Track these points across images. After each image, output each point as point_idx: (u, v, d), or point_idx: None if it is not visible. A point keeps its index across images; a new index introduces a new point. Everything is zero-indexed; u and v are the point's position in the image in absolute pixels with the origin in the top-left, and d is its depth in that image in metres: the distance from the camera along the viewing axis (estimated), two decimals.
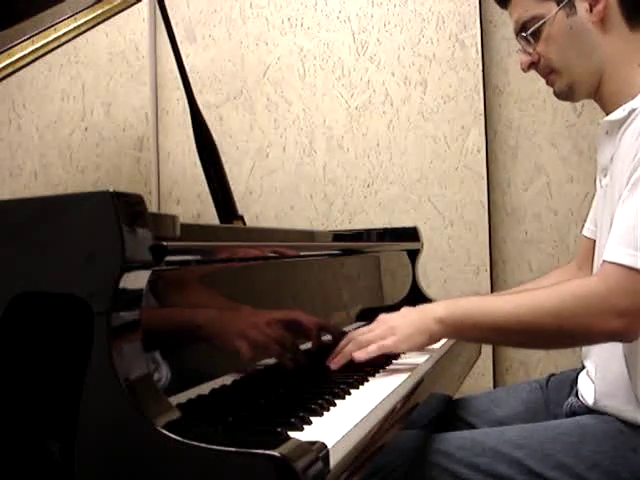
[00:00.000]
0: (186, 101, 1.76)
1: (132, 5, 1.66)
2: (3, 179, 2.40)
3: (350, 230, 2.01)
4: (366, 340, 1.14)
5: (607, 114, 1.17)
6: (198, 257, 0.88)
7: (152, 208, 2.16)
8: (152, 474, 0.66)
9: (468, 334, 1.15)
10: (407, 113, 2.18)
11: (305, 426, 0.83)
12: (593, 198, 1.37)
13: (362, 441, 0.82)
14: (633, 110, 1.09)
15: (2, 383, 0.71)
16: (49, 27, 1.39)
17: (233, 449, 0.63)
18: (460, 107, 2.15)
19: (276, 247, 1.11)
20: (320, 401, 0.93)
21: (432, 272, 2.13)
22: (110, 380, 0.67)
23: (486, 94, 2.17)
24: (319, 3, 2.25)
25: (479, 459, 1.08)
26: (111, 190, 0.68)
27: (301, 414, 0.86)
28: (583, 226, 1.42)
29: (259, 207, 2.27)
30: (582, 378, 1.24)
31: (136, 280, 0.71)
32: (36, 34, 1.36)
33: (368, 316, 1.35)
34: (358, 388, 1.06)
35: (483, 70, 2.15)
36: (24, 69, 1.36)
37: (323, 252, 1.36)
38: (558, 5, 1.14)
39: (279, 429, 0.79)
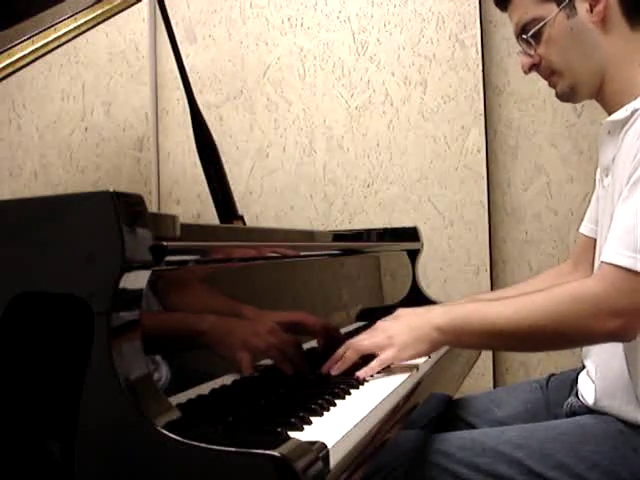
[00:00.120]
0: (186, 101, 1.76)
1: (132, 5, 1.65)
2: (3, 179, 2.40)
3: (350, 230, 2.01)
4: (365, 347, 1.13)
5: (609, 114, 1.17)
6: (198, 257, 0.88)
7: (152, 208, 2.16)
8: (152, 474, 0.66)
9: (467, 341, 1.14)
10: (407, 113, 2.18)
11: (305, 426, 0.83)
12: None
13: (362, 441, 0.82)
14: (636, 110, 1.09)
15: (2, 383, 0.71)
16: (49, 27, 1.39)
17: (233, 449, 0.63)
18: (460, 107, 2.15)
19: (276, 247, 1.11)
20: (320, 401, 0.93)
21: (432, 272, 2.13)
22: (110, 380, 0.67)
23: (486, 94, 2.17)
24: (319, 3, 2.25)
25: (479, 459, 1.08)
26: (111, 190, 0.68)
27: (301, 414, 0.86)
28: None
29: (259, 207, 2.27)
30: (582, 378, 1.24)
31: (136, 280, 0.71)
32: (36, 34, 1.36)
33: (368, 316, 1.36)
34: (358, 388, 1.06)
35: (483, 70, 2.15)
36: (24, 69, 1.36)
37: (323, 252, 1.36)
38: (558, 6, 1.14)
39: (279, 429, 0.79)
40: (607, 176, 1.17)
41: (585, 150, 2.13)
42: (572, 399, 1.25)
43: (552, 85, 1.21)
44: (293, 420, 0.83)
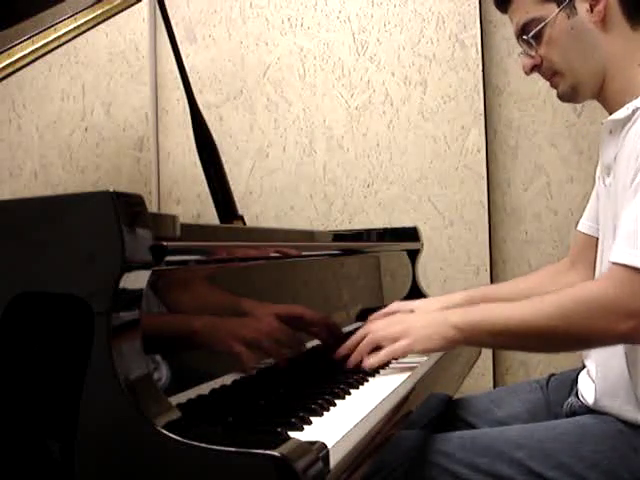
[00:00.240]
0: (186, 101, 1.76)
1: (132, 5, 1.65)
2: (3, 179, 2.40)
3: (350, 230, 2.01)
4: (380, 338, 1.14)
5: (610, 114, 1.17)
6: (198, 257, 0.88)
7: (152, 208, 2.16)
8: (152, 474, 0.66)
9: (482, 340, 1.16)
10: (407, 113, 2.18)
11: (305, 426, 0.83)
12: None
13: (362, 441, 0.82)
14: (637, 109, 1.09)
15: (2, 383, 0.71)
16: (49, 27, 1.39)
17: (233, 449, 0.63)
18: (460, 107, 2.15)
19: (276, 247, 1.11)
20: (320, 401, 0.93)
21: (432, 272, 2.13)
22: (110, 380, 0.67)
23: (486, 94, 2.17)
24: (319, 3, 2.25)
25: (479, 459, 1.08)
26: (111, 190, 0.68)
27: (301, 414, 0.86)
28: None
29: (259, 207, 2.27)
30: (582, 378, 1.24)
31: (136, 280, 0.71)
32: (36, 34, 1.36)
33: (368, 316, 1.35)
34: (358, 388, 1.06)
35: (483, 70, 2.15)
36: (24, 69, 1.36)
37: (323, 252, 1.36)
38: (558, 6, 1.14)
39: (279, 429, 0.79)
40: (609, 175, 1.17)
41: (585, 150, 2.13)
42: (572, 399, 1.25)
43: (554, 86, 1.21)
44: (293, 420, 0.83)
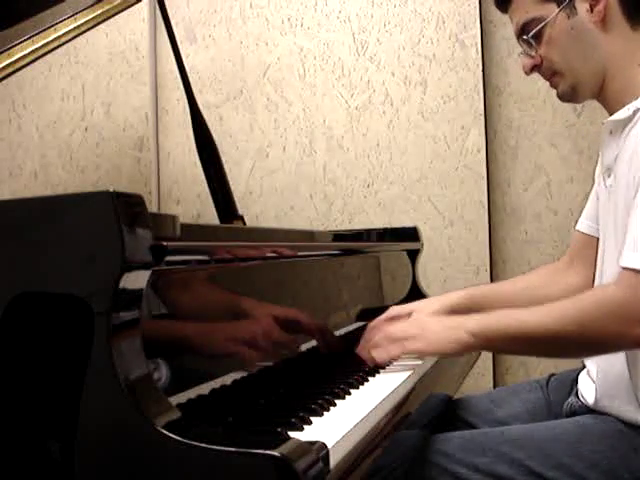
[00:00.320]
0: (186, 101, 1.76)
1: (132, 5, 1.65)
2: (3, 179, 2.40)
3: (350, 230, 2.01)
4: (397, 335, 1.14)
5: (610, 114, 1.16)
6: (198, 257, 0.88)
7: (152, 208, 2.16)
8: (152, 474, 0.66)
9: (497, 346, 1.17)
10: (407, 113, 2.18)
11: (305, 426, 0.83)
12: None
13: (362, 441, 0.82)
14: (638, 110, 1.09)
15: (2, 383, 0.71)
16: (49, 27, 1.39)
17: (233, 449, 0.63)
18: (460, 107, 2.15)
19: (276, 247, 1.11)
20: (320, 401, 0.93)
21: (432, 272, 2.13)
22: (110, 380, 0.67)
23: (486, 94, 2.17)
24: (319, 3, 2.25)
25: (479, 459, 1.08)
26: (111, 190, 0.68)
27: (301, 414, 0.86)
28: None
29: (259, 207, 2.27)
30: (583, 378, 1.24)
31: (136, 280, 0.71)
32: (36, 34, 1.36)
33: (368, 316, 1.35)
34: (358, 388, 1.06)
35: (483, 70, 2.15)
36: (24, 69, 1.36)
37: (323, 252, 1.36)
38: (559, 6, 1.14)
39: (279, 429, 0.79)
40: (609, 176, 1.17)
41: (585, 150, 2.13)
42: (572, 399, 1.25)
43: (553, 86, 1.21)
44: (293, 420, 0.83)
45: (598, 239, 1.26)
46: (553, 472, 1.05)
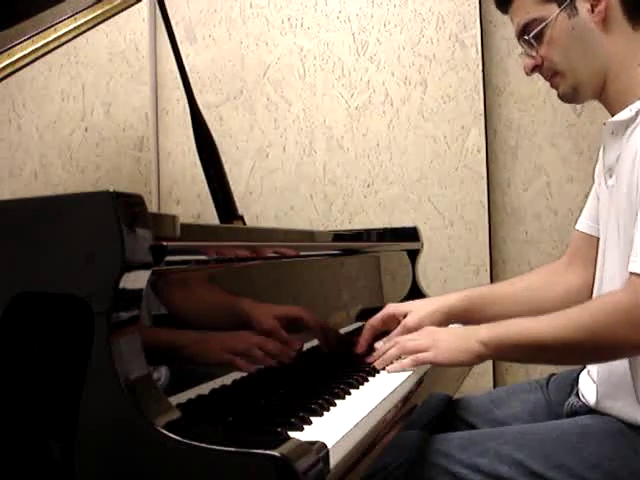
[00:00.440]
0: (186, 101, 1.76)
1: (132, 5, 1.66)
2: (3, 179, 2.40)
3: (350, 230, 2.01)
4: (409, 348, 1.15)
5: (612, 114, 1.16)
6: (198, 257, 0.88)
7: (152, 208, 2.16)
8: (152, 474, 0.66)
9: (509, 355, 1.18)
10: (407, 113, 2.18)
11: (305, 426, 0.83)
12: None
13: (362, 441, 0.82)
14: None
15: (2, 383, 0.71)
16: (49, 27, 1.39)
17: (233, 449, 0.63)
18: (460, 107, 2.15)
19: (276, 247, 1.11)
20: (320, 401, 0.93)
21: (432, 272, 2.13)
22: (110, 380, 0.67)
23: (486, 94, 2.17)
24: (319, 3, 2.25)
25: (479, 460, 1.08)
26: (111, 190, 0.68)
27: (301, 414, 0.86)
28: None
29: (259, 207, 2.27)
30: (583, 378, 1.24)
31: (136, 280, 0.71)
32: (36, 34, 1.36)
33: (368, 316, 1.35)
34: (358, 388, 1.06)
35: (483, 70, 2.14)
36: (24, 69, 1.36)
37: (323, 252, 1.35)
38: (559, 7, 1.14)
39: (279, 429, 0.79)
40: (611, 176, 1.17)
41: (585, 150, 2.13)
42: (573, 399, 1.25)
43: (554, 86, 1.20)
44: (293, 420, 0.83)
45: (598, 239, 1.26)
46: (553, 472, 1.05)
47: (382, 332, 1.33)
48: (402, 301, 1.74)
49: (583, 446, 1.07)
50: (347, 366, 1.21)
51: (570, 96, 1.19)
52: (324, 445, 0.69)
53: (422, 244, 1.86)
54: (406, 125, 2.18)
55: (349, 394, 1.01)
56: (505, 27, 2.14)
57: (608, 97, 1.17)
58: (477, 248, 2.13)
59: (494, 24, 2.19)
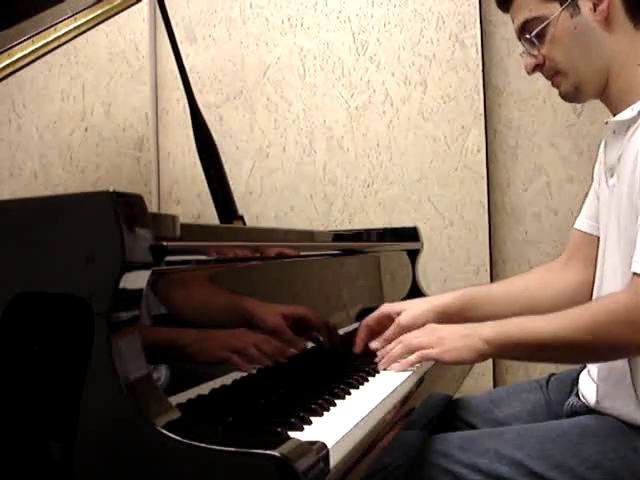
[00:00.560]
0: (186, 101, 1.76)
1: (132, 5, 1.65)
2: (3, 179, 2.40)
3: (350, 230, 2.01)
4: (414, 346, 1.15)
5: (613, 113, 1.16)
6: (198, 257, 0.88)
7: (152, 208, 2.16)
8: (152, 474, 0.66)
9: (511, 353, 1.18)
10: (407, 113, 2.18)
11: (305, 426, 0.83)
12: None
13: (362, 441, 0.82)
14: None
15: (2, 383, 0.71)
16: (49, 27, 1.39)
17: (233, 449, 0.63)
18: (460, 107, 2.15)
19: (276, 247, 1.11)
20: (320, 401, 0.93)
21: (432, 272, 2.13)
22: (110, 380, 0.67)
23: (486, 94, 2.17)
24: (319, 3, 2.24)
25: (479, 460, 1.08)
26: (111, 190, 0.68)
27: (301, 414, 0.86)
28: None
29: (259, 207, 2.27)
30: (583, 378, 1.24)
31: (136, 280, 0.71)
32: (36, 34, 1.36)
33: (367, 316, 1.35)
34: (358, 388, 1.06)
35: (483, 70, 2.14)
36: (24, 69, 1.36)
37: (323, 252, 1.35)
38: (561, 5, 1.13)
39: (279, 429, 0.79)
40: (612, 176, 1.16)
41: (585, 150, 2.13)
42: (573, 399, 1.25)
43: (556, 85, 1.20)
44: (293, 420, 0.83)
45: (598, 238, 1.26)
46: (553, 472, 1.05)
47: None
48: (402, 301, 1.75)
49: (583, 446, 1.07)
50: (347, 366, 1.21)
51: (572, 95, 1.19)
52: (324, 445, 0.69)
53: (422, 244, 1.86)
54: (406, 125, 2.18)
55: (349, 394, 1.01)
56: (505, 27, 2.14)
57: (610, 96, 1.17)
58: (477, 248, 2.13)
59: (494, 24, 2.19)
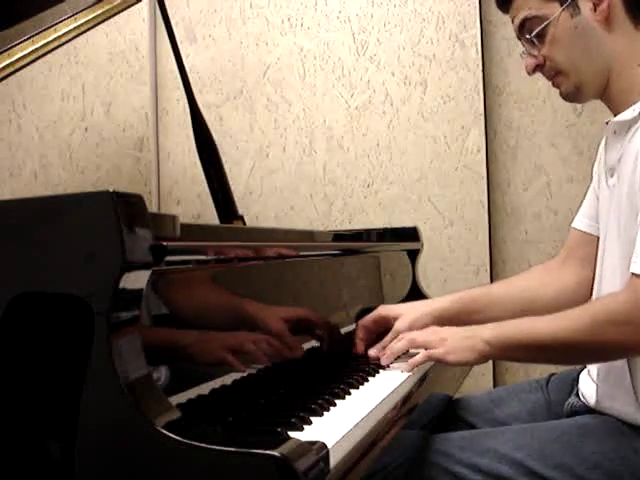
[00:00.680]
0: (186, 101, 1.76)
1: (132, 5, 1.66)
2: (3, 179, 2.40)
3: (350, 230, 2.01)
4: (418, 342, 1.16)
5: (614, 114, 1.16)
6: (198, 257, 0.88)
7: (152, 208, 2.16)
8: (152, 474, 0.66)
9: (512, 354, 1.18)
10: (407, 113, 2.18)
11: (305, 426, 0.83)
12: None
13: (362, 441, 0.82)
14: None
15: (2, 383, 0.71)
16: (49, 27, 1.39)
17: (233, 449, 0.63)
18: (460, 107, 2.15)
19: (276, 247, 1.11)
20: (320, 401, 0.93)
21: (432, 272, 2.13)
22: (110, 380, 0.67)
23: (486, 94, 2.17)
24: (319, 3, 2.24)
25: (479, 459, 1.08)
26: (111, 190, 0.68)
27: (301, 414, 0.86)
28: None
29: (259, 207, 2.26)
30: (583, 378, 1.24)
31: (136, 280, 0.71)
32: (36, 34, 1.36)
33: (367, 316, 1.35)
34: (358, 388, 1.06)
35: (483, 70, 2.14)
36: (24, 69, 1.36)
37: (323, 252, 1.35)
38: (562, 5, 1.13)
39: (279, 429, 0.79)
40: (612, 176, 1.16)
41: (585, 150, 2.13)
42: (573, 399, 1.25)
43: (556, 85, 1.19)
44: (293, 420, 0.83)
45: (597, 237, 1.25)
46: (553, 472, 1.05)
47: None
48: (402, 301, 1.75)
49: (583, 446, 1.07)
50: (347, 366, 1.21)
51: (573, 95, 1.19)
52: (324, 445, 0.69)
53: (422, 244, 1.86)
54: (406, 125, 2.18)
55: (349, 394, 1.01)
56: (505, 27, 2.14)
57: (611, 96, 1.17)
58: (477, 248, 2.13)
59: (494, 24, 2.19)
